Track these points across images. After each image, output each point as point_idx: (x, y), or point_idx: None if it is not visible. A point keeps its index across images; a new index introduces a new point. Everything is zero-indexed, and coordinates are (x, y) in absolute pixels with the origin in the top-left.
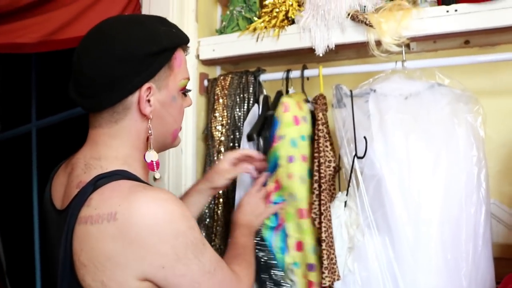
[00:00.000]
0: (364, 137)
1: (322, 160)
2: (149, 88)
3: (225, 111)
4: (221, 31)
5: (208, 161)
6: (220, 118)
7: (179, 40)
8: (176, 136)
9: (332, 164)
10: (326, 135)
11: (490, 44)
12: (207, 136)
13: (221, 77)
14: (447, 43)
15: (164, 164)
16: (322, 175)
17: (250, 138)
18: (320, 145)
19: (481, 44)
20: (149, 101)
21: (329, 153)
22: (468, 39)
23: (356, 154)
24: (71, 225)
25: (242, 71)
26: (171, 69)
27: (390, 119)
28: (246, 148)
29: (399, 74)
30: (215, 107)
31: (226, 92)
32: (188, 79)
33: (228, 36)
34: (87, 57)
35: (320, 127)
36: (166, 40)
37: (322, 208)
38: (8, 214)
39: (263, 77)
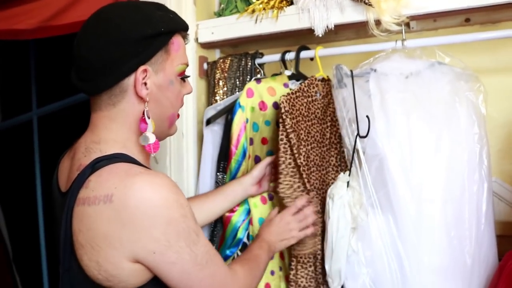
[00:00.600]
0: (367, 116)
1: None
2: (145, 70)
3: (225, 94)
4: (219, 14)
5: None
6: (222, 102)
7: (176, 25)
8: (173, 121)
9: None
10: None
11: (491, 21)
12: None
13: (221, 60)
14: (448, 22)
15: (166, 148)
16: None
17: (208, 122)
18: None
19: (482, 21)
20: (145, 84)
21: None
22: (468, 17)
23: (358, 134)
24: (71, 206)
25: (242, 54)
26: (168, 53)
27: (391, 98)
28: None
29: (399, 53)
30: (216, 90)
31: (226, 75)
32: (187, 64)
33: (227, 19)
34: (85, 42)
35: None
36: (162, 24)
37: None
38: (13, 203)
39: (260, 60)
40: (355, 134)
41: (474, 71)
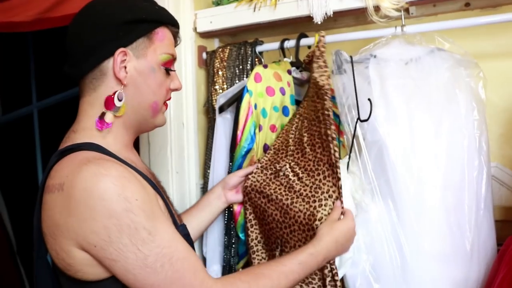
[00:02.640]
0: (369, 99)
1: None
2: (124, 53)
3: (225, 83)
4: (218, 3)
5: (210, 134)
6: (221, 91)
7: (160, 17)
8: (157, 111)
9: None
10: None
11: (491, 5)
12: (208, 109)
13: (220, 49)
14: (447, 6)
15: (166, 138)
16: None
17: (221, 109)
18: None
19: (482, 6)
20: (125, 67)
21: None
22: (468, 1)
23: (359, 118)
24: (40, 196)
25: (241, 42)
26: (151, 41)
27: (391, 84)
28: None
29: (399, 39)
30: (215, 79)
31: (225, 64)
32: (173, 57)
33: (225, 8)
34: (72, 29)
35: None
36: (144, 12)
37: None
38: (15, 196)
39: (260, 48)
40: (355, 120)
41: (475, 56)
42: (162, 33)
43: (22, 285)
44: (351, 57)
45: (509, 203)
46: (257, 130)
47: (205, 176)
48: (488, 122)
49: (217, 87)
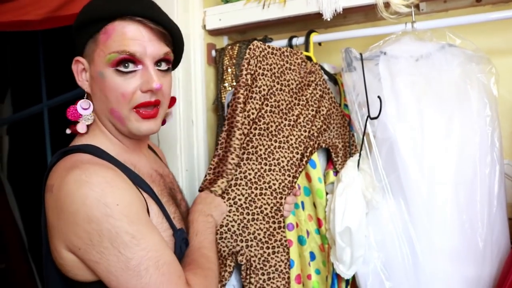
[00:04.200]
0: (378, 97)
1: None
2: (77, 61)
3: (234, 81)
4: (227, 0)
5: (219, 132)
6: (230, 88)
7: (107, 11)
8: (120, 118)
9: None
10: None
11: (503, 1)
12: (217, 106)
13: (229, 47)
14: (458, 2)
15: (176, 135)
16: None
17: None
18: None
19: (494, 1)
20: (82, 76)
21: None
22: None
23: (369, 115)
24: (43, 195)
25: (250, 40)
26: (96, 44)
27: (402, 81)
28: None
29: (409, 35)
30: (224, 77)
31: (234, 61)
32: (124, 52)
33: (234, 5)
34: None
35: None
36: (93, 11)
37: None
38: (27, 194)
39: None
40: (365, 117)
41: (486, 52)
42: (111, 29)
43: (33, 281)
44: (361, 54)
45: None
46: None
47: None
48: (500, 118)
49: (226, 84)
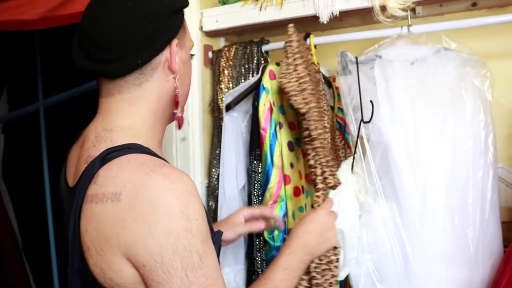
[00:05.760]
0: (370, 101)
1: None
2: (176, 44)
3: (230, 82)
4: (224, 2)
5: (215, 133)
6: (226, 90)
7: (186, 1)
8: (185, 99)
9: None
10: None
11: (498, 5)
12: (214, 108)
13: (226, 49)
14: (454, 6)
15: (172, 137)
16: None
17: (227, 107)
18: None
19: (489, 5)
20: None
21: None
22: (475, 1)
23: (362, 119)
24: (79, 204)
25: (246, 42)
26: (185, 29)
27: (396, 85)
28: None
29: (404, 39)
30: (221, 79)
31: (231, 63)
32: (193, 42)
33: (231, 7)
34: (110, 19)
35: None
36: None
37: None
38: (22, 194)
39: (266, 48)
40: (359, 120)
41: (482, 56)
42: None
43: (28, 282)
44: (356, 58)
45: None
46: (277, 128)
47: (209, 175)
48: (494, 122)
49: (222, 86)
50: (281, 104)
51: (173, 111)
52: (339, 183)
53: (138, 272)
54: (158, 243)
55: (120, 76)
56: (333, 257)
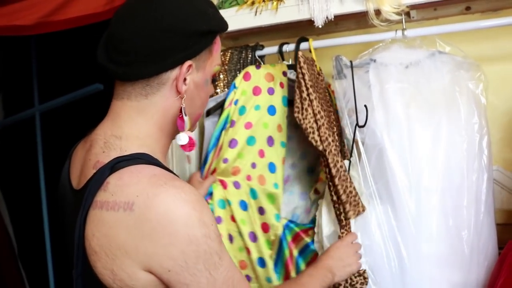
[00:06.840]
0: (365, 105)
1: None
2: (190, 66)
3: (226, 87)
4: (219, 6)
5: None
6: (222, 94)
7: (223, 25)
8: (197, 121)
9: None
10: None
11: (492, 9)
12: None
13: (221, 53)
14: (448, 10)
15: None
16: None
17: (207, 113)
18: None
19: (483, 9)
20: (185, 79)
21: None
22: (469, 5)
23: (357, 124)
24: (86, 209)
25: (242, 46)
26: (211, 53)
27: (391, 88)
28: None
29: (399, 43)
30: (216, 83)
31: (226, 67)
32: (220, 65)
33: (226, 11)
34: (132, 23)
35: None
36: (213, 22)
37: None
38: (17, 199)
39: (260, 52)
40: (355, 124)
41: (476, 59)
42: (218, 43)
43: None
44: (351, 62)
45: (510, 206)
46: (228, 125)
47: None
48: (489, 125)
49: (218, 90)
50: (244, 105)
51: (181, 130)
52: (363, 211)
53: (160, 277)
54: (181, 250)
55: (128, 81)
56: (358, 286)
